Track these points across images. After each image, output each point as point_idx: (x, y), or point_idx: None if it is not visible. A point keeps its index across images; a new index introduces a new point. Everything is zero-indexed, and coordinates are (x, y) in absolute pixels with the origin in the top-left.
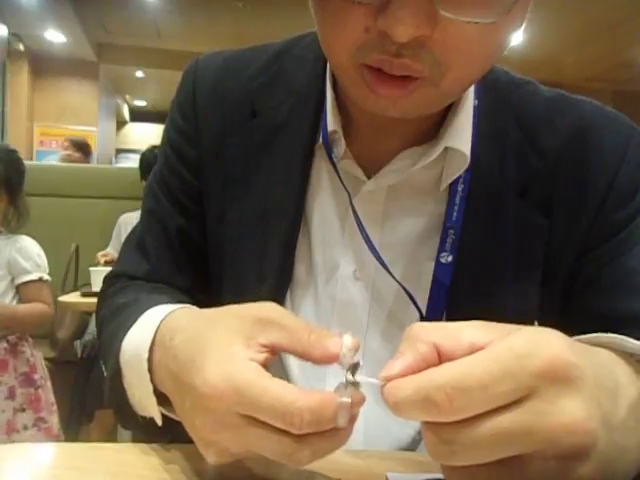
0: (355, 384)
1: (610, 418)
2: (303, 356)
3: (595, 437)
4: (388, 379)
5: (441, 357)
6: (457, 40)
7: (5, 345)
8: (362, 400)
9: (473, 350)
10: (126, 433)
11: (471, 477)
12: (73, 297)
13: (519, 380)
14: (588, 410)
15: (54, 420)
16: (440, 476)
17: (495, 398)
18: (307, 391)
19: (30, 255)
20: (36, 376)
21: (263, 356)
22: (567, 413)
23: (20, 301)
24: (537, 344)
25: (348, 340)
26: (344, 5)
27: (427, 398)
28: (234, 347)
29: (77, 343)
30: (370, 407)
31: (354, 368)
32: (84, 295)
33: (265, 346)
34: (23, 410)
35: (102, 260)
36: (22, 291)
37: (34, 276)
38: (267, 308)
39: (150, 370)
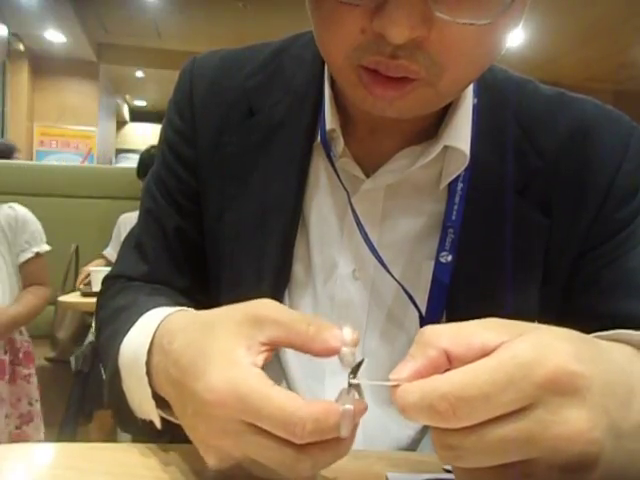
0: (357, 387)
1: (620, 425)
2: (303, 349)
3: (600, 446)
4: (397, 381)
5: (452, 362)
6: (453, 41)
7: (27, 337)
8: (364, 409)
9: (485, 353)
10: (125, 434)
11: (478, 479)
12: (73, 297)
13: (522, 390)
14: (592, 420)
15: None
16: (440, 476)
17: (498, 407)
18: (310, 400)
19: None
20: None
21: (264, 356)
22: (570, 423)
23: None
24: (542, 352)
25: (348, 335)
26: (340, 6)
27: (431, 406)
28: (236, 352)
29: (72, 359)
30: (369, 408)
31: (356, 369)
32: (84, 295)
33: (265, 344)
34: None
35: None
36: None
37: (30, 253)
38: (262, 305)
39: (148, 373)
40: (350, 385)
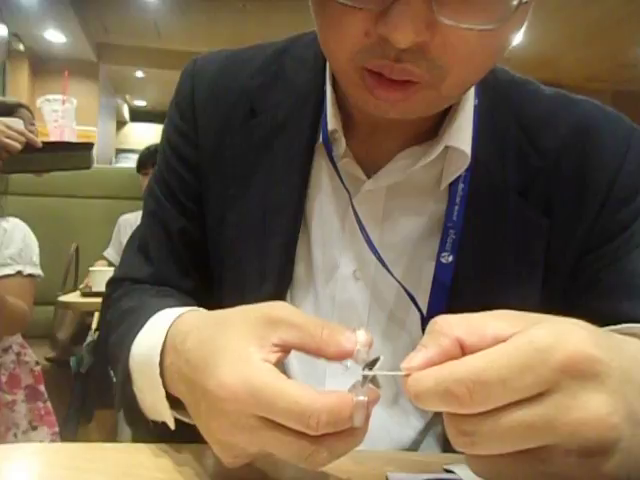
0: (374, 378)
1: (638, 412)
2: (317, 353)
3: (619, 432)
4: (409, 370)
5: (465, 351)
6: (457, 45)
7: (13, 357)
8: (378, 398)
9: (497, 342)
10: (126, 433)
11: (492, 466)
12: (73, 297)
13: (539, 374)
14: (612, 405)
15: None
16: (440, 476)
17: (515, 392)
18: (323, 392)
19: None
20: (42, 387)
21: (276, 356)
22: (589, 408)
23: None
24: (559, 337)
25: (362, 336)
26: (344, 9)
27: (447, 391)
28: (248, 349)
29: (71, 361)
30: None
31: (373, 364)
32: (84, 295)
33: (278, 345)
34: (35, 428)
35: None
36: None
37: (11, 270)
38: (277, 307)
39: (161, 374)
40: (364, 377)
